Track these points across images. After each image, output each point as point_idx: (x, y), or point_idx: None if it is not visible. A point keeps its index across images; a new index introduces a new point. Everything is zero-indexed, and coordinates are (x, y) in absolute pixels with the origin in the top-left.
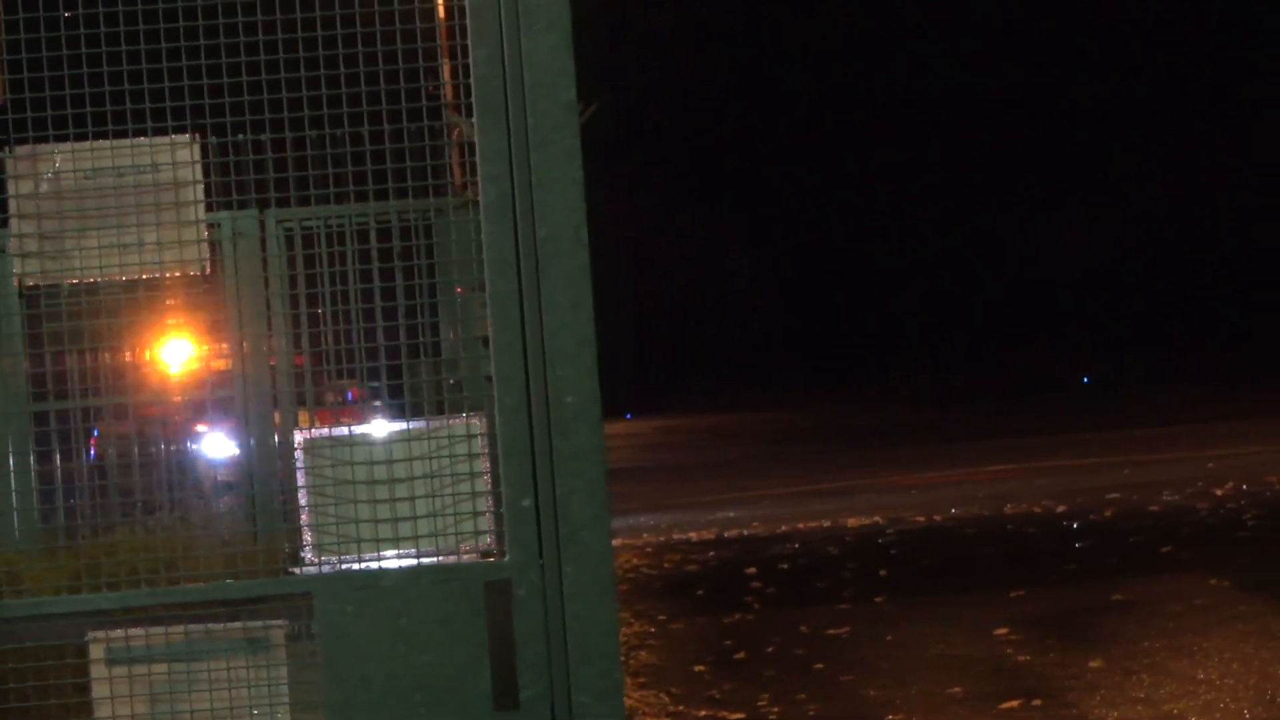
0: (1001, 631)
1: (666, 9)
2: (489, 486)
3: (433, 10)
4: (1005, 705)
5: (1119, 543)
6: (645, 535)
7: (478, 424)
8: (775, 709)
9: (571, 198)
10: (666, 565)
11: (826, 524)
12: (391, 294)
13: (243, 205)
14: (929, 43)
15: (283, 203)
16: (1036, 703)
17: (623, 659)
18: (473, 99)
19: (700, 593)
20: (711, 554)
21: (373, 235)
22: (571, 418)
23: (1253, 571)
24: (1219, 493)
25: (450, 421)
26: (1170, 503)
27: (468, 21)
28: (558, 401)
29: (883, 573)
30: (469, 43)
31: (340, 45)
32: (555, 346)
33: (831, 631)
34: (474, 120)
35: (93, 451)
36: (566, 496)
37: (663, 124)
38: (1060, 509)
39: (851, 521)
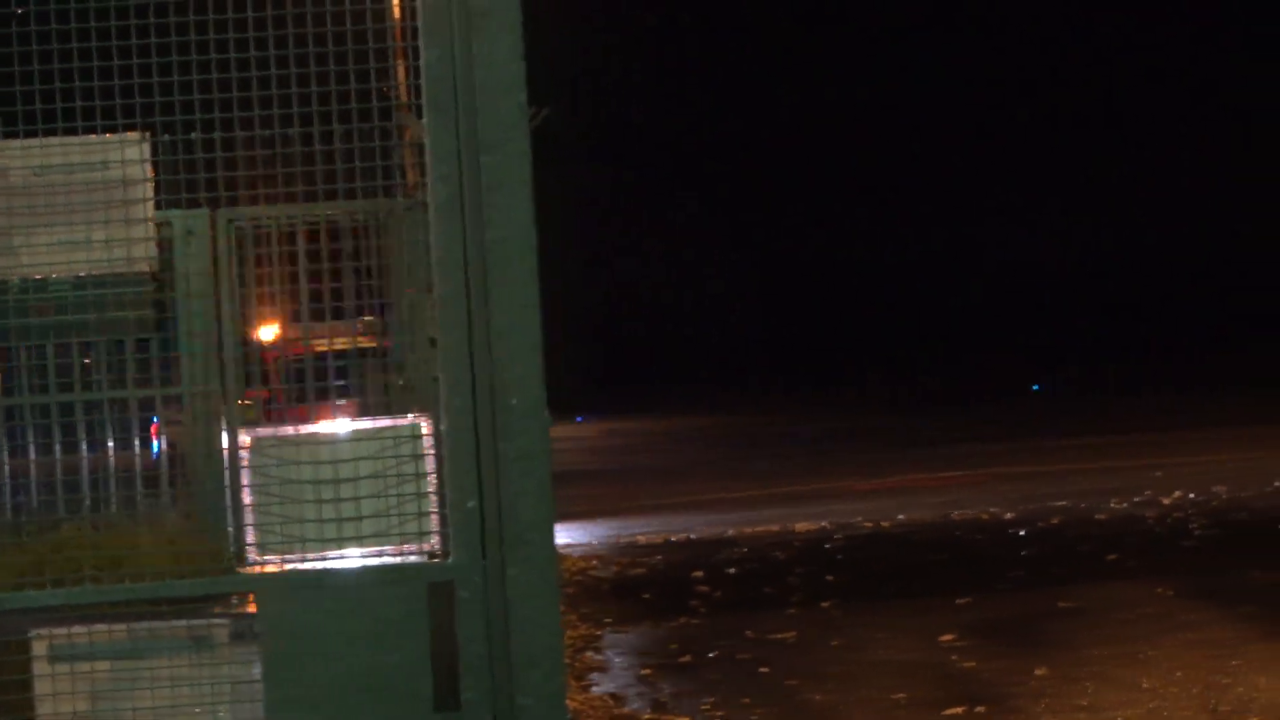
0: (947, 638)
1: (649, 11)
2: (435, 487)
3: (386, 11)
4: (949, 711)
5: (1066, 550)
6: (593, 538)
7: (425, 425)
8: (720, 713)
9: (521, 200)
10: (614, 569)
11: (775, 529)
12: (340, 294)
13: (194, 204)
14: (903, 47)
15: (234, 202)
16: (980, 709)
17: (567, 662)
18: (424, 100)
19: (647, 596)
20: (659, 558)
21: (323, 235)
22: (518, 420)
23: (1198, 580)
24: (1166, 501)
25: (398, 422)
26: (1118, 511)
27: (419, 23)
28: (504, 403)
29: (830, 578)
30: (420, 44)
31: (292, 45)
32: (503, 348)
33: (777, 636)
34: (425, 121)
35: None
36: (512, 499)
37: (641, 126)
38: (1008, 516)
39: (800, 527)
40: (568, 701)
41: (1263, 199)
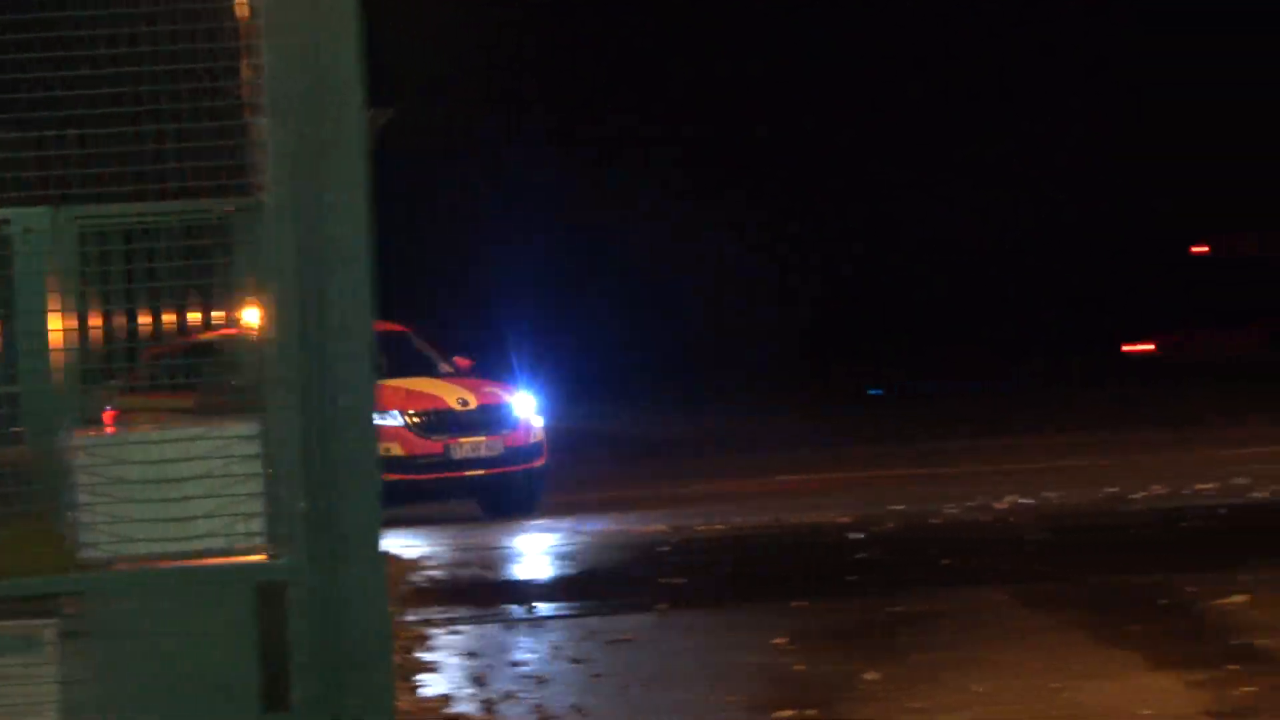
0: (780, 641)
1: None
2: (266, 489)
3: (233, 11)
4: (779, 714)
5: (901, 555)
6: (430, 539)
7: (257, 426)
8: (553, 715)
9: (356, 201)
10: (451, 569)
11: (615, 529)
12: (180, 293)
13: (36, 201)
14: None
15: (79, 200)
16: (811, 712)
17: (399, 662)
18: (265, 101)
19: (483, 597)
20: (497, 559)
21: (164, 235)
22: (347, 422)
23: (1030, 585)
24: (1000, 506)
25: (232, 423)
26: (952, 516)
27: (261, 25)
28: (333, 404)
29: (666, 581)
30: (262, 46)
31: (143, 43)
32: (335, 349)
33: (612, 639)
34: (265, 122)
35: None
36: (340, 501)
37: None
38: (844, 520)
39: (636, 529)
40: (397, 702)
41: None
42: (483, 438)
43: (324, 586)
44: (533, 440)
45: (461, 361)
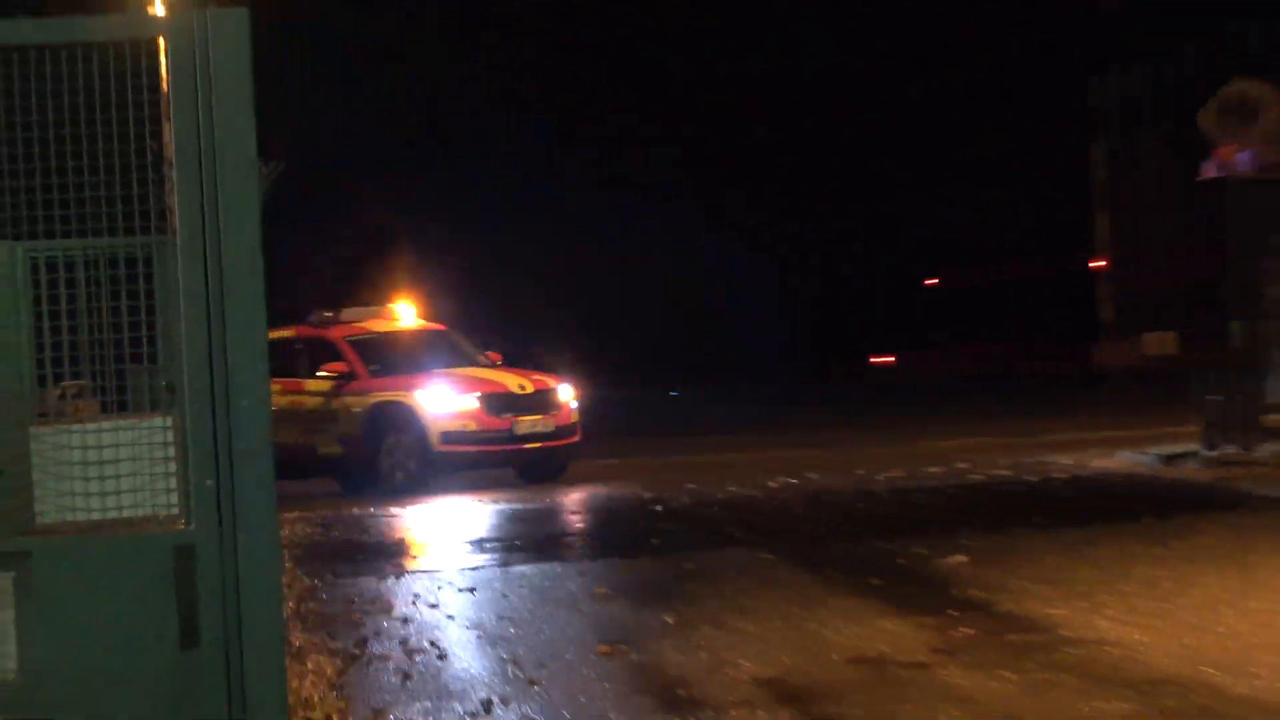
0: (601, 590)
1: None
2: (181, 471)
3: (157, 84)
4: (601, 648)
5: (693, 523)
6: (316, 507)
7: (173, 419)
8: (414, 649)
9: (249, 235)
10: (333, 535)
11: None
12: (117, 312)
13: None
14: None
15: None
16: (623, 648)
17: (292, 607)
18: (174, 156)
19: (360, 558)
20: (371, 523)
21: (103, 264)
22: (246, 418)
23: (794, 548)
24: (773, 485)
25: (154, 418)
26: (734, 492)
27: (169, 93)
28: (235, 404)
29: (509, 541)
30: (170, 110)
31: (83, 110)
32: (234, 360)
33: (450, 594)
34: (174, 173)
35: None
36: (240, 481)
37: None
38: (647, 495)
39: (486, 498)
40: (291, 640)
41: None
42: (539, 416)
43: (226, 549)
44: (573, 420)
45: (493, 355)
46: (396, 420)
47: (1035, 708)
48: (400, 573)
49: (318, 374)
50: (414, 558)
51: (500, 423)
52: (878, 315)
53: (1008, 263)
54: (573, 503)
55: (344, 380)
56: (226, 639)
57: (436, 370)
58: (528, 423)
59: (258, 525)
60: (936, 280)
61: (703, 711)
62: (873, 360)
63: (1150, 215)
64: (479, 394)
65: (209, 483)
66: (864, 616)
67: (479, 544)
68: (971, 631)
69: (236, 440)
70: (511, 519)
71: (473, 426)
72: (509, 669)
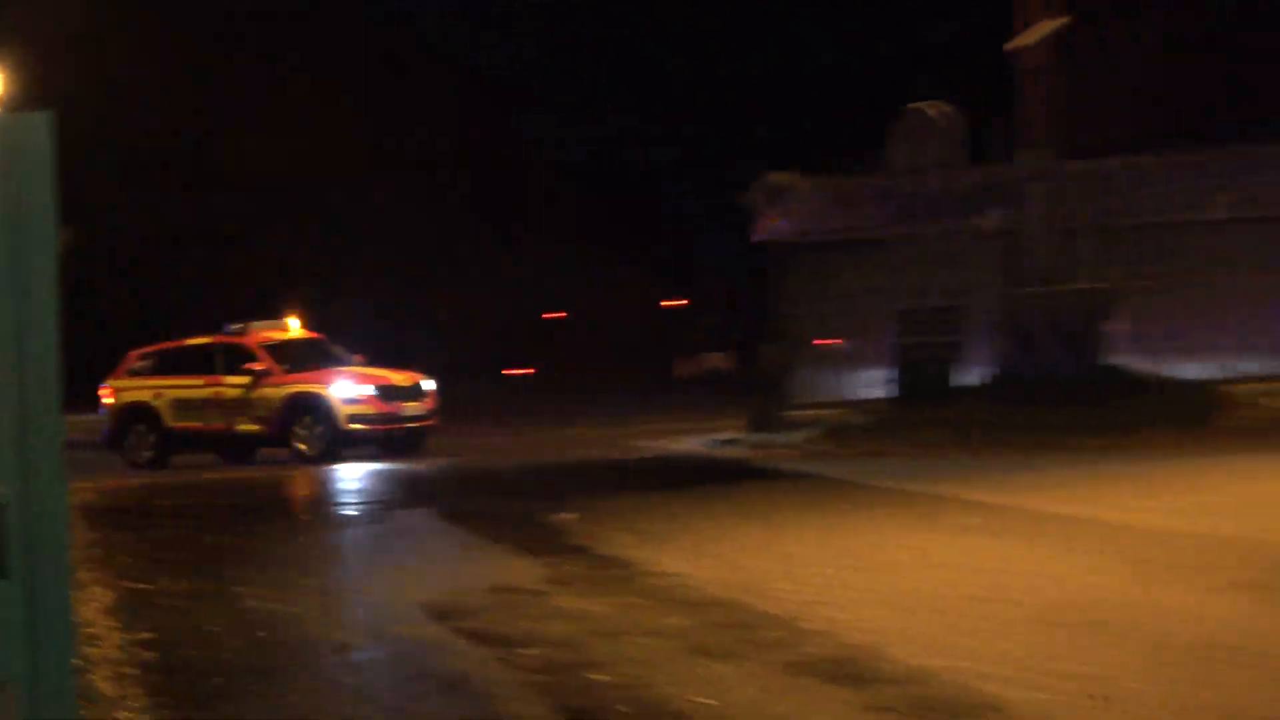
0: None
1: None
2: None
3: None
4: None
5: (377, 498)
6: (99, 478)
7: None
8: (177, 577)
9: (48, 285)
10: (112, 500)
11: (401, 468)
12: None
13: None
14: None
15: None
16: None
17: (79, 553)
18: None
19: (131, 519)
20: (138, 493)
21: None
22: (41, 413)
23: (450, 506)
24: (440, 462)
25: None
26: (415, 470)
27: None
28: (30, 403)
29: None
30: None
31: None
32: (30, 376)
33: (217, 541)
34: None
35: None
36: (36, 455)
37: None
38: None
39: (239, 476)
40: (70, 576)
41: None
42: (416, 403)
43: (25, 506)
44: (434, 406)
45: (359, 357)
46: (309, 406)
47: (621, 622)
48: (164, 529)
49: (238, 371)
50: (191, 521)
51: (391, 408)
52: (520, 339)
53: (615, 304)
54: (250, 480)
55: (261, 375)
56: (28, 572)
57: (337, 367)
58: (410, 408)
59: (49, 491)
60: (562, 314)
61: (380, 627)
62: (510, 372)
63: (716, 269)
64: (375, 385)
65: (13, 458)
66: (499, 558)
67: (209, 515)
68: (577, 569)
69: (33, 429)
70: (253, 489)
71: (371, 410)
72: None
